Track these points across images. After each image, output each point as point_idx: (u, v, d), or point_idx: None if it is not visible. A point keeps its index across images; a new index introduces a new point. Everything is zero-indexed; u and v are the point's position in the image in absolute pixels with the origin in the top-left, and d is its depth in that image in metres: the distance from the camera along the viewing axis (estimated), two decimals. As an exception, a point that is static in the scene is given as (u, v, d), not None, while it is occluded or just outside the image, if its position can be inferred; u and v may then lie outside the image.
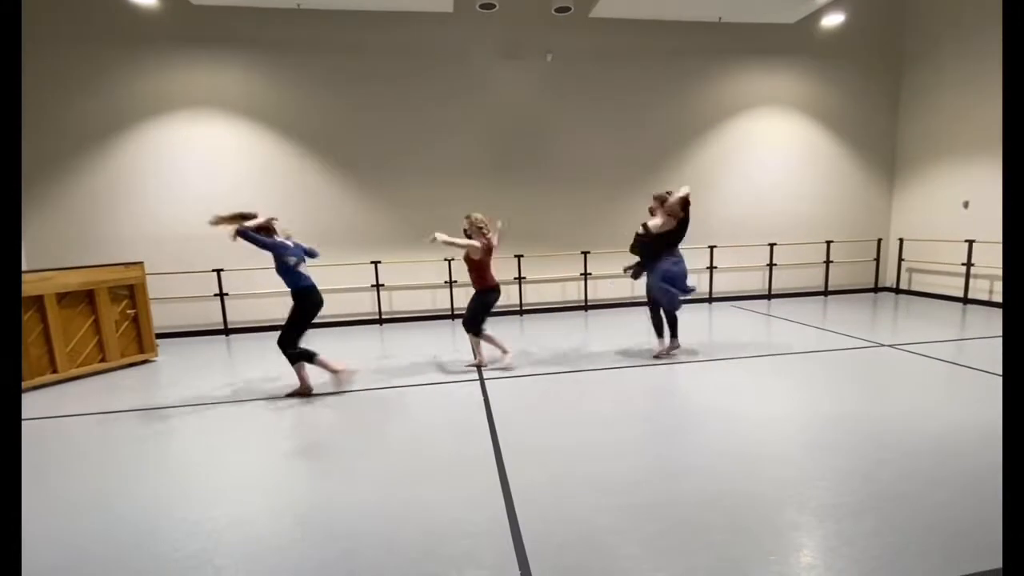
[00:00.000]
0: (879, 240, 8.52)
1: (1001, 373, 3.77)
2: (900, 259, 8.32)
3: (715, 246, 8.07)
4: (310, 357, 4.11)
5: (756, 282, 8.40)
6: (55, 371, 4.84)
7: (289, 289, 4.18)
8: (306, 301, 4.16)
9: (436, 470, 2.84)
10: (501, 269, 7.61)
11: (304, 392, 4.20)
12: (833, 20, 7.52)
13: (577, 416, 3.59)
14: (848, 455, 2.81)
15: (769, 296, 8.37)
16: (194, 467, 3.04)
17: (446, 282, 7.49)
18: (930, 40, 7.69)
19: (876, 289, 8.62)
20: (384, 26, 6.87)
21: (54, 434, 3.61)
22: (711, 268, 8.11)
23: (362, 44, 6.91)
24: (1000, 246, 6.45)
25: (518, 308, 7.76)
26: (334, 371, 4.22)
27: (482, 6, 6.50)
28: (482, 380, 4.46)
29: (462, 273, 7.49)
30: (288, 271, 4.14)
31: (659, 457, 2.88)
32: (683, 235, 4.88)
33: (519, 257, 7.57)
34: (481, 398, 3.98)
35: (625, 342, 5.66)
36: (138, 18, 6.39)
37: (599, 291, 7.95)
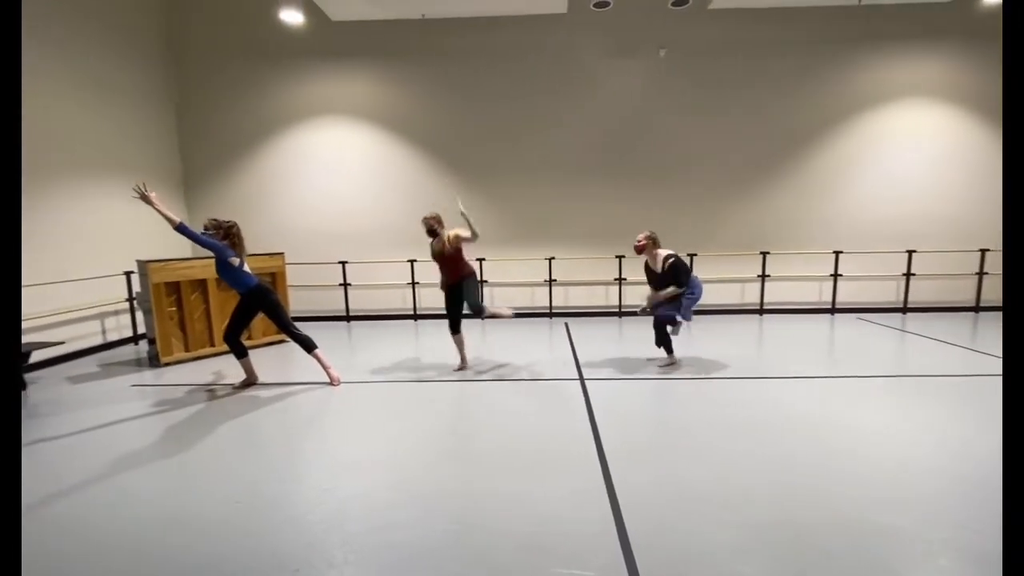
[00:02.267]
0: (1052, 250, 7.25)
1: None
2: (1081, 273, 7.02)
3: (840, 252, 7.37)
4: (245, 353, 4.51)
5: (889, 293, 7.55)
6: (212, 345, 5.63)
7: (239, 291, 4.36)
8: (255, 300, 4.36)
9: (540, 464, 2.92)
10: (600, 270, 7.61)
11: (251, 383, 4.52)
12: (1003, -5, 6.50)
13: (682, 424, 3.49)
14: (1008, 498, 2.47)
15: (904, 310, 7.49)
16: (325, 439, 3.40)
17: (546, 280, 7.59)
18: None
19: (1045, 307, 7.36)
20: (498, 30, 7.09)
21: (210, 401, 4.21)
22: (835, 276, 7.43)
23: (477, 49, 7.19)
24: None
25: (617, 310, 7.66)
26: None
27: (596, 4, 6.46)
28: (582, 380, 4.49)
29: (561, 272, 7.60)
30: (228, 270, 4.26)
31: (778, 474, 2.72)
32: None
33: (620, 258, 7.47)
34: (582, 398, 4.01)
35: (731, 350, 5.38)
36: (286, 36, 7.18)
37: (704, 296, 7.59)
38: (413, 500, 2.57)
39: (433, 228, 4.64)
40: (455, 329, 4.84)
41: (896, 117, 7.19)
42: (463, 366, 4.91)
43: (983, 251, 7.29)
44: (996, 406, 3.70)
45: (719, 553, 2.10)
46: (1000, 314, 7.19)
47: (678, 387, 4.30)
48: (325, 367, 4.52)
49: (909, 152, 7.22)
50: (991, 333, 6.07)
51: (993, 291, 7.39)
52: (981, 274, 7.34)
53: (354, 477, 2.83)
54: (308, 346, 4.50)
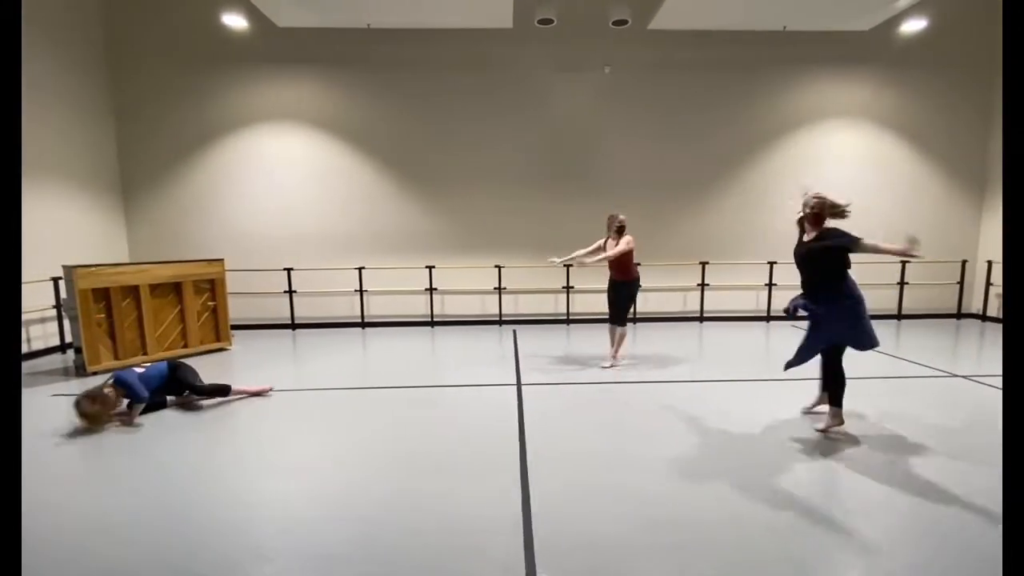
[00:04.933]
0: (963, 262, 7.84)
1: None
2: (988, 283, 7.63)
3: (775, 262, 7.75)
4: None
5: (820, 301, 7.95)
6: (145, 352, 5.47)
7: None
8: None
9: (463, 468, 2.98)
10: (549, 279, 7.76)
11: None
12: (914, 26, 7.05)
13: (611, 428, 3.62)
14: (894, 497, 2.69)
15: (834, 317, 7.91)
16: (250, 447, 3.37)
17: (495, 288, 7.69)
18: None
19: (959, 315, 7.94)
20: (446, 42, 7.21)
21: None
22: (770, 285, 7.81)
23: (425, 60, 7.28)
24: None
25: (565, 317, 7.83)
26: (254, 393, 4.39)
27: (540, 21, 6.66)
28: (519, 386, 4.58)
29: (511, 280, 7.72)
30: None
31: (688, 475, 2.87)
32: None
33: (569, 266, 7.64)
34: (516, 403, 4.10)
35: (670, 354, 5.59)
36: (229, 40, 7.10)
37: (648, 304, 7.85)
38: (325, 503, 2.60)
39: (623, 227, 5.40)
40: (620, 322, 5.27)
41: (824, 137, 7.65)
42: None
43: (903, 262, 7.78)
44: (908, 404, 3.99)
45: (614, 545, 2.22)
46: (920, 322, 7.71)
47: (609, 391, 4.45)
48: (251, 392, 4.38)
49: (836, 169, 7.68)
50: (912, 340, 6.51)
51: (914, 301, 7.91)
52: (902, 284, 7.84)
53: (274, 482, 2.84)
54: (225, 391, 4.25)
